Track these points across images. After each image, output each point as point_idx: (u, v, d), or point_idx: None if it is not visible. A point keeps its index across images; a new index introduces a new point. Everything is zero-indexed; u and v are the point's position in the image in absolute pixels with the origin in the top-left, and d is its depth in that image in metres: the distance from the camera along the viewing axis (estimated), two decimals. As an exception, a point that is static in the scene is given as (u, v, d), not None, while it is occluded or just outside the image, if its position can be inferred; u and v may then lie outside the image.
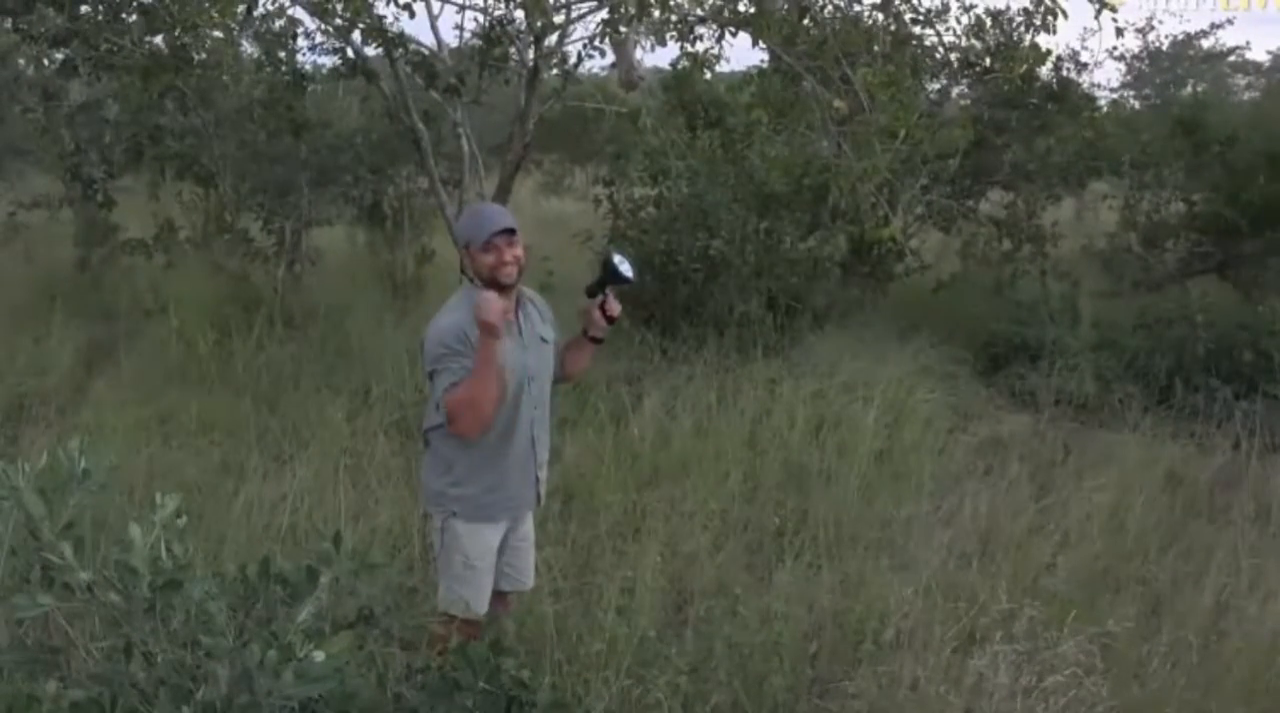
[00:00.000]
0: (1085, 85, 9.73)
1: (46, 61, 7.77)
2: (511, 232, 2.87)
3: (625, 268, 2.96)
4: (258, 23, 7.14)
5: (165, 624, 1.75)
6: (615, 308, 2.99)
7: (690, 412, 5.34)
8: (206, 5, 5.79)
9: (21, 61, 8.79)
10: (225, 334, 6.53)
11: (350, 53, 6.75)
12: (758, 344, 6.41)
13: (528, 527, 3.16)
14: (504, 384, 2.80)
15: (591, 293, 3.00)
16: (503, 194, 6.80)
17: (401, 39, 6.36)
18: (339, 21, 6.26)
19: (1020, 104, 8.73)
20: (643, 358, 6.28)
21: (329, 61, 7.61)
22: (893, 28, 6.70)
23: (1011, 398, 6.60)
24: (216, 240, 8.48)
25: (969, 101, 9.28)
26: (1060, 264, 8.56)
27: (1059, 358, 6.64)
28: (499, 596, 3.14)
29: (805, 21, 6.47)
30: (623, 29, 5.96)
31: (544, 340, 3.02)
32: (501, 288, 2.88)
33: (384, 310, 7.16)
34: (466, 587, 2.96)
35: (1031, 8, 6.33)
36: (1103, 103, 10.46)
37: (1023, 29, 7.16)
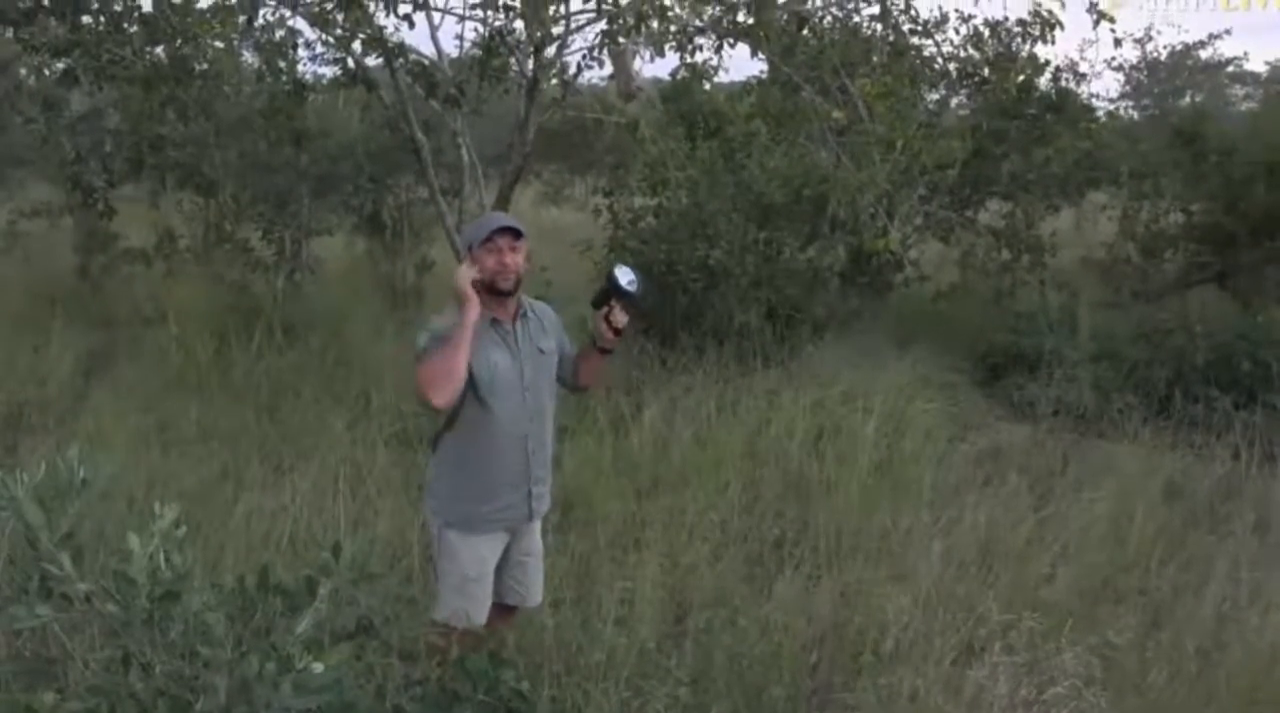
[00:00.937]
0: (1084, 96, 9.78)
1: (47, 71, 7.79)
2: (516, 233, 2.88)
3: (626, 281, 2.93)
4: (258, 33, 7.16)
5: (163, 635, 1.74)
6: (620, 320, 2.97)
7: (690, 422, 5.33)
8: (208, 16, 5.82)
9: (23, 71, 8.82)
10: (225, 343, 6.53)
11: (350, 63, 6.78)
12: (757, 354, 6.41)
13: (533, 542, 3.13)
14: (464, 371, 2.76)
15: (596, 305, 2.99)
16: (502, 204, 6.82)
17: (402, 49, 6.40)
18: (339, 32, 6.30)
19: (1019, 114, 8.75)
20: (642, 367, 6.28)
21: (329, 71, 7.66)
22: (891, 38, 6.74)
23: (1010, 408, 6.59)
24: (216, 250, 8.50)
25: (968, 112, 9.31)
26: (1059, 274, 8.57)
27: (1058, 368, 6.63)
28: (504, 609, 3.13)
29: (804, 32, 6.51)
30: (621, 40, 5.98)
31: (541, 351, 3.01)
32: (499, 293, 2.88)
33: (384, 320, 7.16)
34: (464, 598, 2.94)
35: (1029, 19, 6.36)
36: (1101, 113, 10.49)
37: (1020, 40, 7.21)
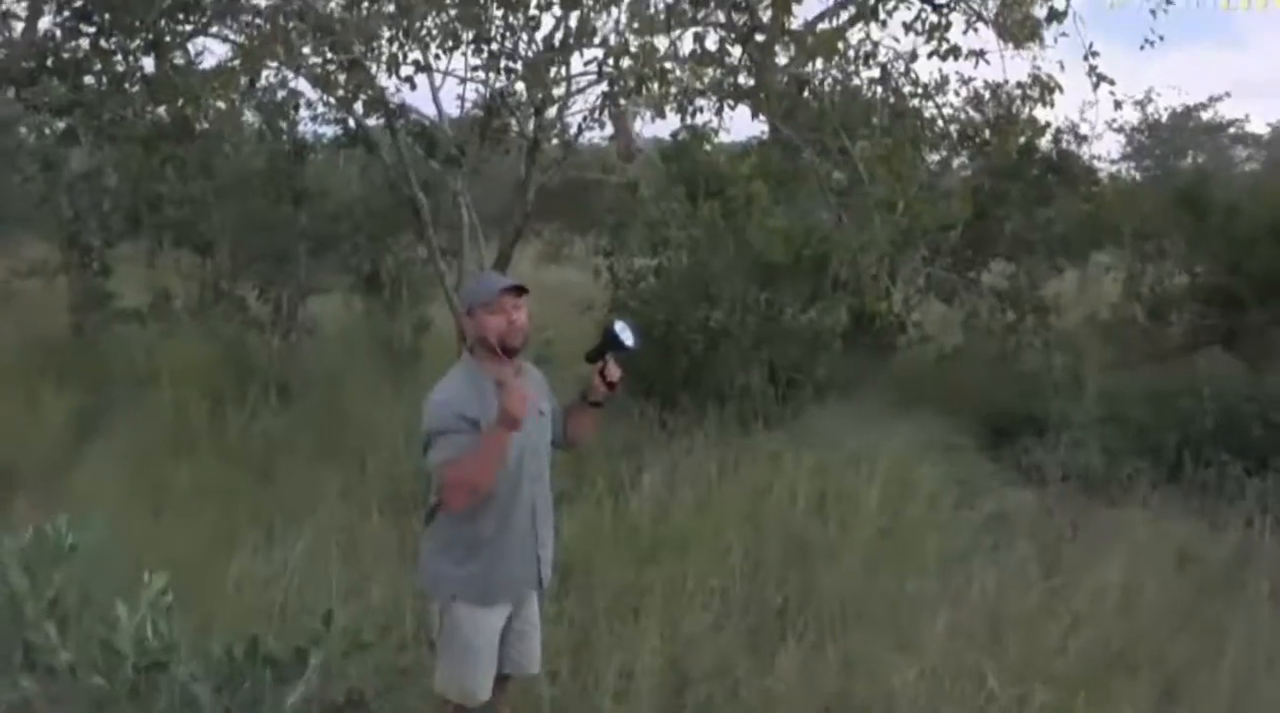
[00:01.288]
0: (1085, 157, 9.94)
1: (47, 130, 7.93)
2: (519, 290, 2.91)
3: (625, 335, 2.98)
4: (260, 93, 7.32)
5: (149, 708, 1.72)
6: (615, 373, 3.01)
7: (690, 485, 5.31)
8: (211, 77, 5.94)
9: (23, 129, 8.98)
10: (219, 403, 6.53)
11: (351, 123, 6.90)
12: (759, 416, 6.41)
13: (533, 609, 3.10)
14: (503, 465, 2.81)
15: (591, 359, 3.03)
16: (502, 263, 6.88)
17: (403, 110, 6.52)
18: (341, 93, 6.42)
19: (1020, 175, 8.89)
20: (642, 430, 6.27)
21: (330, 131, 7.79)
22: (891, 101, 6.87)
23: (1017, 472, 6.56)
24: (213, 308, 8.55)
25: (969, 173, 9.45)
26: (1064, 336, 8.60)
27: (1065, 432, 6.62)
28: (500, 679, 3.09)
29: (805, 95, 6.64)
30: (622, 102, 6.09)
31: (541, 413, 3.02)
32: (509, 352, 2.90)
33: (381, 380, 7.17)
34: (468, 672, 2.90)
35: (1028, 82, 6.50)
36: (1103, 174, 10.65)
37: (1020, 102, 7.34)
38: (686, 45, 6.07)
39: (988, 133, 8.34)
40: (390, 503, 5.20)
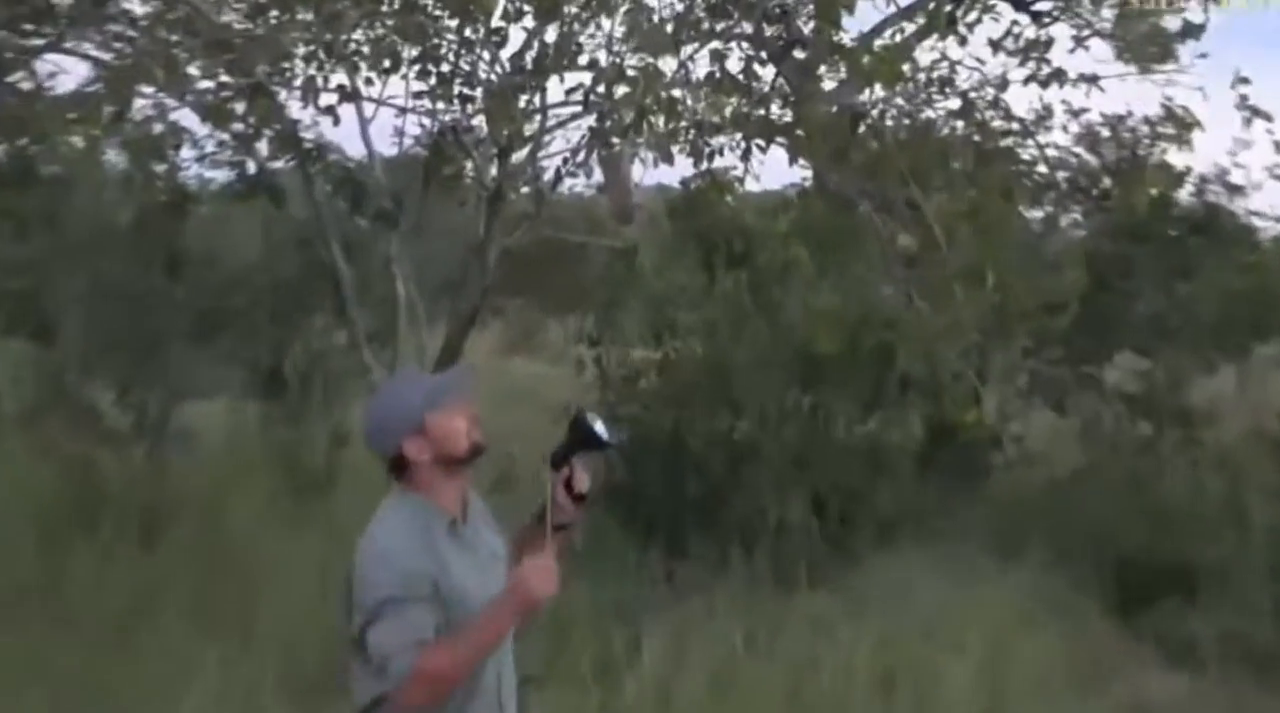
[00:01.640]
0: (1240, 214, 10.06)
1: None
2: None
3: (601, 428, 2.98)
4: (130, 127, 7.47)
5: None
6: (583, 483, 2.96)
7: (706, 661, 5.30)
8: (65, 106, 6.10)
9: None
10: (58, 545, 6.53)
11: (251, 166, 7.05)
12: (801, 564, 6.41)
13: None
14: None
15: (556, 464, 3.00)
16: (450, 354, 6.93)
17: (321, 150, 6.67)
18: (239, 127, 6.57)
19: (1153, 237, 9.01)
20: (640, 584, 6.27)
21: (222, 176, 7.94)
22: (976, 139, 7.01)
23: (1159, 646, 6.53)
24: (53, 415, 8.58)
25: (1084, 234, 9.59)
26: (1220, 455, 8.61)
27: (1224, 588, 6.60)
28: None
29: (859, 131, 6.76)
30: (615, 141, 6.21)
31: (495, 555, 3.03)
32: (477, 455, 2.91)
33: (281, 513, 7.18)
34: None
35: (1158, 118, 6.65)
36: (1265, 236, 10.79)
37: (1149, 142, 7.51)
38: (702, 67, 6.23)
39: (1107, 181, 8.51)
40: (288, 684, 5.17)
